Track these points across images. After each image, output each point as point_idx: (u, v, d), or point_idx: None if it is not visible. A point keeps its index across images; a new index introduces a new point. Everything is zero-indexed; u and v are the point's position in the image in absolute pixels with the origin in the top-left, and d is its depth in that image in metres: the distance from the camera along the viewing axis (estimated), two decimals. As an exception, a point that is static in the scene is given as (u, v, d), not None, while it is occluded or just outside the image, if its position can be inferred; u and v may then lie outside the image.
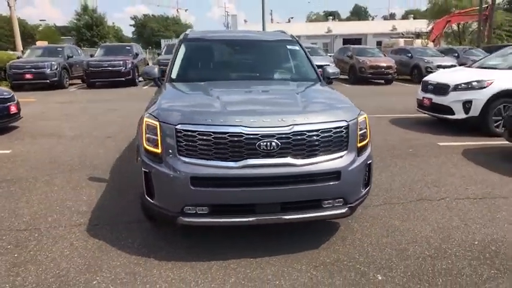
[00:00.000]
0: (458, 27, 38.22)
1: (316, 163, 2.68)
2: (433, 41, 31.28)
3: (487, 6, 29.57)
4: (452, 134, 6.57)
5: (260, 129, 2.60)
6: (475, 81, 6.42)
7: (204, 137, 2.61)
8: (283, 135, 2.61)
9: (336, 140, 2.75)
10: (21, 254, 2.89)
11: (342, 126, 2.78)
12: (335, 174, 2.73)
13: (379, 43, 38.44)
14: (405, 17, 75.29)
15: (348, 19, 78.34)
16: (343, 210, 2.83)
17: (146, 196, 2.80)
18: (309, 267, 2.71)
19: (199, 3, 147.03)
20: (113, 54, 16.01)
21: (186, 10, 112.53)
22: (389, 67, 15.85)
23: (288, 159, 2.63)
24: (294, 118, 2.69)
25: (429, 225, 3.33)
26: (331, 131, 2.73)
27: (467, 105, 6.41)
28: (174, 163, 2.64)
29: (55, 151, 5.78)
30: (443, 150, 5.66)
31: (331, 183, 2.72)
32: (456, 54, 17.07)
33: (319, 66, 4.16)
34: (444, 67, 13.61)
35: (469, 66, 8.14)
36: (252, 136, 2.59)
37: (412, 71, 16.63)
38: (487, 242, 3.03)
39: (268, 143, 2.58)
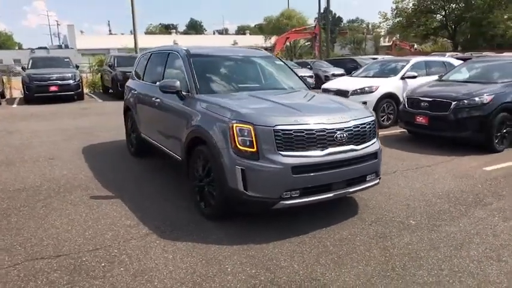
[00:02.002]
0: (290, 43, 44.15)
1: (366, 147, 3.64)
2: (276, 55, 35.72)
3: (315, 26, 36.21)
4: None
5: (335, 125, 3.42)
6: (367, 87, 8.53)
7: (298, 134, 3.26)
8: (348, 128, 3.49)
9: (371, 130, 3.76)
10: (128, 269, 2.91)
11: (373, 120, 3.81)
12: (374, 155, 3.73)
13: None
14: (238, 32, 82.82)
15: (185, 33, 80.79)
16: (377, 181, 3.86)
17: (243, 190, 3.24)
18: (365, 225, 3.62)
19: (11, 9, 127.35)
20: (52, 66, 14.54)
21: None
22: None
23: (352, 146, 3.51)
24: (349, 115, 3.58)
25: (406, 187, 4.67)
26: (370, 123, 3.73)
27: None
28: (275, 157, 3.20)
29: (18, 177, 5.07)
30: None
31: (372, 161, 3.71)
32: (309, 66, 20.35)
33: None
34: (337, 75, 16.24)
35: (351, 76, 10.40)
36: (331, 130, 3.38)
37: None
38: (446, 191, 4.52)
39: (341, 135, 3.41)
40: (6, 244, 3.27)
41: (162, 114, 4.70)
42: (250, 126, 3.24)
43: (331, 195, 3.45)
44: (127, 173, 5.26)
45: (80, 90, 14.34)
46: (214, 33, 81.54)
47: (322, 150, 3.35)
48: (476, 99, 6.23)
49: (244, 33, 75.20)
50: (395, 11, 33.75)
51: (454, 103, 6.30)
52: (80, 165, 5.62)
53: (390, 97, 8.59)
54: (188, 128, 3.93)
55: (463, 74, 7.68)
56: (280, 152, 3.23)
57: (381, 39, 61.05)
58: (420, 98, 6.85)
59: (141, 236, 3.42)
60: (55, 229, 3.56)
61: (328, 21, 31.90)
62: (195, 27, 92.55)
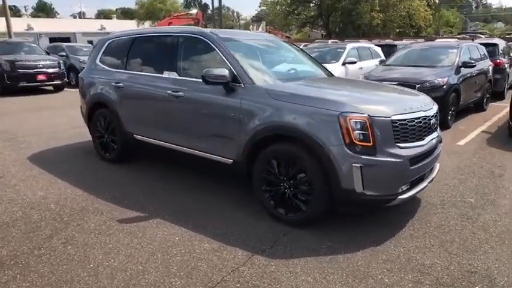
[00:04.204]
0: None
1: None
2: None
3: (197, 12, 35.69)
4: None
5: (429, 111, 3.32)
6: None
7: (411, 123, 3.07)
8: (435, 114, 3.44)
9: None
10: None
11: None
12: (441, 140, 3.77)
13: (90, 42, 37.73)
14: (99, 16, 75.84)
15: (34, 16, 70.23)
16: (438, 167, 3.86)
17: (362, 190, 2.90)
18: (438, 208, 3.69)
19: None
20: (24, 52, 12.68)
21: None
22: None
23: (436, 132, 3.47)
24: (429, 101, 3.53)
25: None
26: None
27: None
28: (393, 150, 2.94)
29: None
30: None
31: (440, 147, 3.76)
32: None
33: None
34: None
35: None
36: (429, 117, 3.28)
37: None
38: (457, 167, 4.92)
39: (433, 121, 3.35)
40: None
41: (189, 110, 3.89)
42: (365, 118, 2.90)
43: (425, 184, 3.37)
44: (131, 184, 4.25)
45: (66, 79, 12.96)
46: (76, 17, 72.65)
47: (424, 138, 3.24)
48: (436, 81, 6.92)
49: (110, 18, 69.25)
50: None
51: (417, 86, 6.85)
52: (53, 181, 4.33)
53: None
54: (251, 125, 3.33)
55: (404, 59, 8.43)
56: (398, 144, 2.99)
57: (250, 27, 63.49)
58: (382, 82, 7.27)
59: (245, 260, 2.80)
60: (112, 270, 2.66)
61: (221, 9, 31.55)
62: (44, 10, 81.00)
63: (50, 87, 12.82)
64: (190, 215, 3.51)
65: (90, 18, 70.36)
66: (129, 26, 51.79)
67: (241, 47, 4.03)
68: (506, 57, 11.00)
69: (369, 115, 2.90)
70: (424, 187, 3.36)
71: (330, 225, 3.27)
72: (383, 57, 10.74)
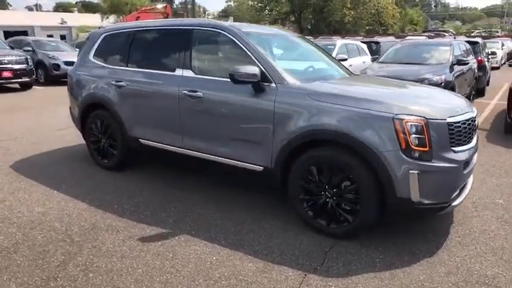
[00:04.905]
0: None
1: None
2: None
3: (165, 6, 34.78)
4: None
5: (474, 112, 3.16)
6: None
7: (463, 125, 2.88)
8: (477, 115, 3.27)
9: None
10: None
11: None
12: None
13: (50, 36, 36.10)
14: (57, 9, 72.29)
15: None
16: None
17: (419, 198, 2.68)
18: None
19: None
20: None
21: None
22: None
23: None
24: (468, 102, 3.36)
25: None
26: None
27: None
28: (448, 155, 2.73)
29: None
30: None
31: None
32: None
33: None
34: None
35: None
36: (475, 117, 3.11)
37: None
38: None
39: (476, 122, 3.18)
40: None
41: (210, 112, 3.50)
42: (422, 121, 2.67)
43: (469, 188, 3.20)
44: (139, 193, 3.83)
45: (34, 77, 12.02)
46: (32, 10, 68.65)
47: (472, 140, 3.06)
48: (434, 79, 6.88)
49: (70, 11, 66.10)
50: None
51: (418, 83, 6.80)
52: (49, 194, 3.82)
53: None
54: (288, 129, 3.02)
55: (397, 57, 8.38)
56: (452, 148, 2.79)
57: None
58: (380, 79, 7.16)
59: (299, 281, 2.49)
60: None
61: (194, 3, 30.71)
62: (-8, 1, 76.04)
63: (16, 85, 11.84)
64: (218, 229, 3.16)
65: (48, 11, 66.95)
66: (92, 20, 49.77)
67: (264, 41, 3.70)
68: (484, 54, 11.31)
69: (425, 118, 2.68)
70: (469, 192, 3.20)
71: (370, 234, 3.03)
72: (369, 55, 10.71)
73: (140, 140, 4.10)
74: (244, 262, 2.70)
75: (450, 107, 2.99)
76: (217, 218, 3.36)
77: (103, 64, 4.43)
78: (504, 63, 19.97)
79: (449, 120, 2.76)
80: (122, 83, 4.11)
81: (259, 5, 34.10)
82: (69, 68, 12.41)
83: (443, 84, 6.88)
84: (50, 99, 10.06)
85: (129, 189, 3.97)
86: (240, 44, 3.42)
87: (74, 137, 5.92)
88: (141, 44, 4.16)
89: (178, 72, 3.71)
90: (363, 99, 2.89)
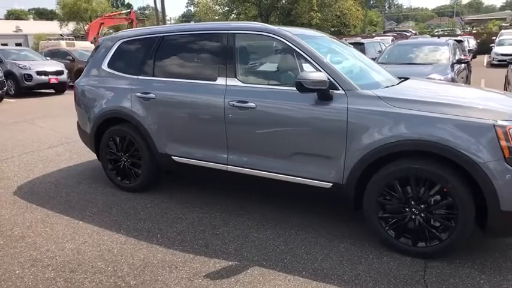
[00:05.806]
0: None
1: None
2: (91, 42, 31.30)
3: (130, 11, 33.80)
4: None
5: None
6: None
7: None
8: None
9: None
10: None
11: None
12: None
13: (5, 44, 34.02)
14: (8, 17, 68.45)
15: None
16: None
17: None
18: None
19: None
20: None
21: None
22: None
23: None
24: None
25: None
26: None
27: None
28: None
29: None
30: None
31: None
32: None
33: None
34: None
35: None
36: None
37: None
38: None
39: None
40: None
41: (266, 124, 3.11)
42: (521, 128, 2.46)
43: None
44: (179, 218, 3.38)
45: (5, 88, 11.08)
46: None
47: None
48: (442, 78, 6.85)
49: (22, 19, 62.64)
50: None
51: (425, 84, 6.74)
52: (74, 225, 3.29)
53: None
54: (365, 141, 2.72)
55: (396, 57, 8.33)
56: None
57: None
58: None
59: None
60: None
61: (164, 8, 29.68)
62: None
63: (-18, 99, 10.80)
64: (288, 256, 2.80)
65: (0, 19, 63.07)
66: (49, 27, 47.37)
67: (318, 45, 3.38)
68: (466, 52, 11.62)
69: (525, 124, 2.47)
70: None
71: (456, 251, 2.80)
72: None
73: (173, 157, 3.66)
74: None
75: None
76: (281, 243, 3.00)
77: (121, 74, 3.93)
78: (471, 59, 20.82)
79: None
80: (150, 95, 3.65)
81: (226, 8, 33.65)
82: (43, 77, 11.80)
83: (448, 83, 6.89)
84: (27, 112, 9.19)
85: (164, 214, 3.52)
86: (297, 48, 3.08)
87: (70, 155, 5.37)
88: (170, 50, 3.71)
89: (221, 81, 3.32)
90: (456, 105, 2.64)
